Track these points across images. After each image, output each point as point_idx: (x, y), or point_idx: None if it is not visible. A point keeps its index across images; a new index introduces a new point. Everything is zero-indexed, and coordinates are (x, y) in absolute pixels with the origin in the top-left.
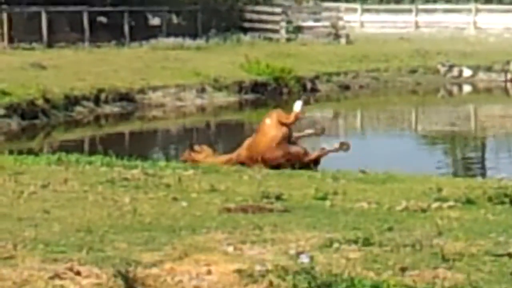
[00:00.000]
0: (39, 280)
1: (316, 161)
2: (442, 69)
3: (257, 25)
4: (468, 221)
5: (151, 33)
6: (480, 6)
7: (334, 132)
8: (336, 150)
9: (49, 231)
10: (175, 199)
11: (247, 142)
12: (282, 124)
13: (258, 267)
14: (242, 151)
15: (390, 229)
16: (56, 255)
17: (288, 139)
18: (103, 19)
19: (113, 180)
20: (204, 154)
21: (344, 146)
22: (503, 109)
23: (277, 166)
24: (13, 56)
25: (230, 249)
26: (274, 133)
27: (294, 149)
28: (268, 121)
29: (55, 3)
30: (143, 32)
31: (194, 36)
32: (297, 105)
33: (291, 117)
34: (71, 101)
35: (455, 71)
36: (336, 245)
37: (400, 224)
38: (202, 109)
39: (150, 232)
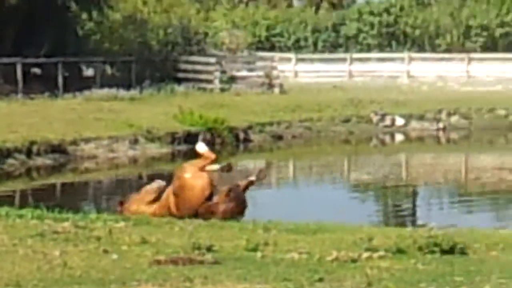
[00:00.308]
0: None
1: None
2: (375, 118)
3: (191, 75)
4: (399, 271)
5: (85, 84)
6: (414, 55)
7: (266, 182)
8: (256, 179)
9: None
10: (105, 251)
11: (169, 198)
12: (202, 170)
13: None
14: (161, 207)
15: (320, 279)
16: None
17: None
18: (37, 70)
19: (43, 233)
20: (136, 203)
21: (261, 174)
22: (434, 158)
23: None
24: None
25: None
26: (201, 183)
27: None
28: (187, 175)
29: None
30: (77, 83)
31: (128, 87)
32: (201, 146)
33: (210, 156)
34: (3, 154)
35: (387, 120)
36: None
37: (330, 275)
38: (134, 161)
39: (80, 286)
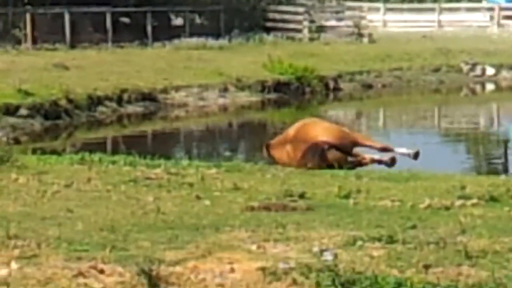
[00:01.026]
0: (63, 279)
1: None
2: (465, 68)
3: (280, 24)
4: (492, 218)
5: (174, 33)
6: (503, 5)
7: (357, 130)
8: (386, 163)
9: (72, 230)
10: (198, 197)
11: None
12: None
13: (281, 265)
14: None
15: (413, 227)
16: (80, 254)
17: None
18: (126, 19)
19: (136, 179)
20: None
21: (392, 162)
22: None
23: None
24: (37, 56)
25: (254, 247)
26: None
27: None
28: (345, 129)
29: (78, 3)
30: (165, 32)
31: (217, 36)
32: (401, 150)
33: (373, 144)
34: (94, 101)
35: (478, 70)
36: (359, 243)
37: (423, 222)
38: (224, 109)
39: (174, 231)
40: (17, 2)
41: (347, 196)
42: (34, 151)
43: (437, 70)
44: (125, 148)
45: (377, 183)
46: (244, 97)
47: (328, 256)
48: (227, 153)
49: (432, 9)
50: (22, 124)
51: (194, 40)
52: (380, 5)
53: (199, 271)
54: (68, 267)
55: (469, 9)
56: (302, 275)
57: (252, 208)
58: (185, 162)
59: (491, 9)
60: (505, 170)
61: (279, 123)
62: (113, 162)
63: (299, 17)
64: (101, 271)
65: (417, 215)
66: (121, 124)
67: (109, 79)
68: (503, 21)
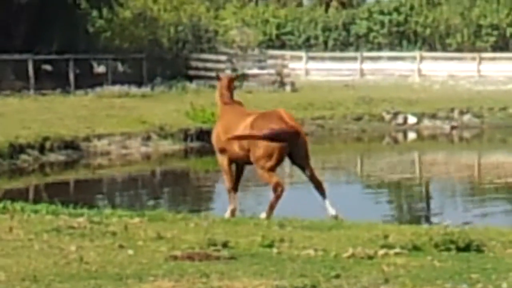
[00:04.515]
0: None
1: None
2: (387, 117)
3: (202, 73)
4: (415, 268)
5: (96, 81)
6: (425, 54)
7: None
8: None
9: None
10: (121, 247)
11: None
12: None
13: None
14: None
15: (337, 276)
16: None
17: None
18: (48, 67)
19: (58, 229)
20: None
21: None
22: (447, 156)
23: None
24: None
25: None
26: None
27: None
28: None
29: None
30: (88, 80)
31: (140, 84)
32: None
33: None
34: (16, 149)
35: (400, 118)
36: None
37: (347, 271)
38: (147, 157)
39: (97, 280)
40: None
41: (270, 245)
42: None
43: (359, 118)
44: (48, 197)
45: (300, 232)
46: (167, 146)
47: None
48: (150, 202)
49: (354, 58)
50: None
51: (117, 88)
52: (302, 53)
53: None
54: None
55: (391, 58)
56: None
57: (176, 258)
58: (108, 211)
59: (413, 58)
60: (427, 219)
61: (202, 172)
62: (35, 211)
63: (222, 65)
64: None
65: (341, 264)
66: (43, 173)
67: (31, 127)
68: None
